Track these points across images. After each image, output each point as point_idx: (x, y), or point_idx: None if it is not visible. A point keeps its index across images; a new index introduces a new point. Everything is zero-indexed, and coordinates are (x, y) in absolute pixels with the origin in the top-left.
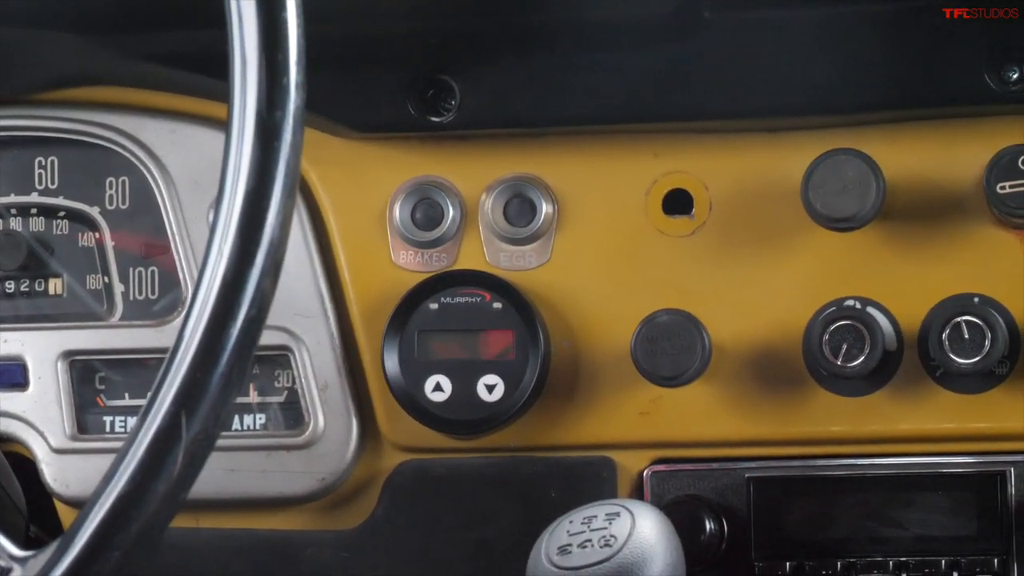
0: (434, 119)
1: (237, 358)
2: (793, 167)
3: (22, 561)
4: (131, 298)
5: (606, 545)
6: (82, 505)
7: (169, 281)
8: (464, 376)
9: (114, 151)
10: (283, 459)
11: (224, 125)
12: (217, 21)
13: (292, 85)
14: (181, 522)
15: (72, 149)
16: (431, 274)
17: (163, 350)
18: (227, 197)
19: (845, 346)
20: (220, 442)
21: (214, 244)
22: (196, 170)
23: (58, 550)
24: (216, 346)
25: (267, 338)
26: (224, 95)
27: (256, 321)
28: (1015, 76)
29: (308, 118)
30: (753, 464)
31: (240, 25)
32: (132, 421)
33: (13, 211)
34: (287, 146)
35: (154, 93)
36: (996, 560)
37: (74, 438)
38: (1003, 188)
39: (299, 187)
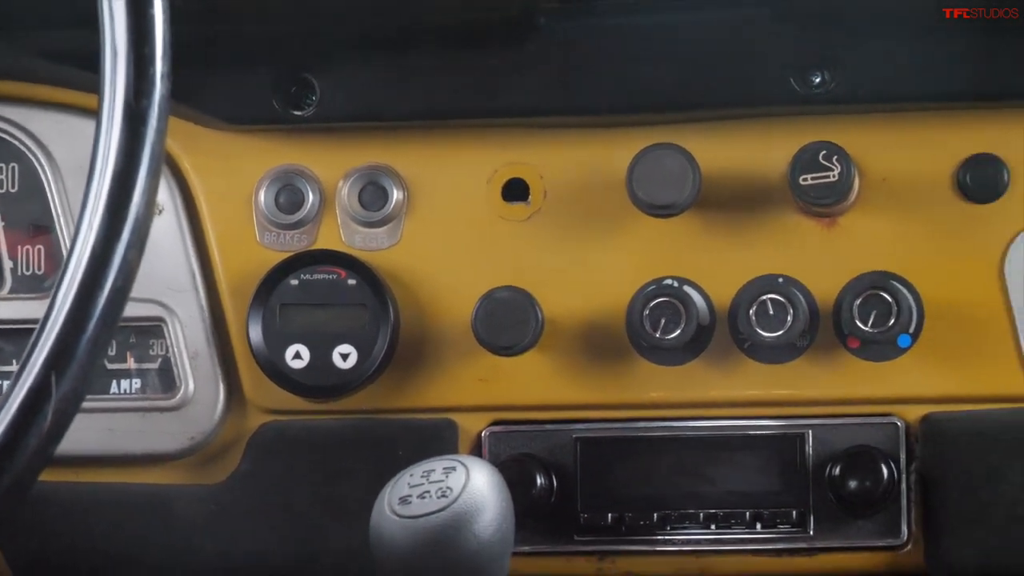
0: (296, 113)
1: (104, 324)
2: (619, 159)
3: None
4: (19, 273)
5: (443, 496)
6: None
7: (55, 258)
8: (321, 345)
9: (4, 140)
10: (157, 420)
11: None
12: (95, 20)
13: (158, 76)
14: (63, 476)
15: None
16: (292, 253)
17: None
18: (97, 176)
19: (663, 320)
20: (100, 404)
21: (84, 219)
22: (81, 157)
23: None
24: (85, 313)
25: (143, 310)
26: None
27: (122, 291)
28: (818, 80)
29: (182, 111)
30: (580, 426)
31: (111, 21)
32: None
33: None
34: (153, 131)
35: (42, 87)
36: (795, 512)
37: None
38: (805, 180)
39: (174, 174)
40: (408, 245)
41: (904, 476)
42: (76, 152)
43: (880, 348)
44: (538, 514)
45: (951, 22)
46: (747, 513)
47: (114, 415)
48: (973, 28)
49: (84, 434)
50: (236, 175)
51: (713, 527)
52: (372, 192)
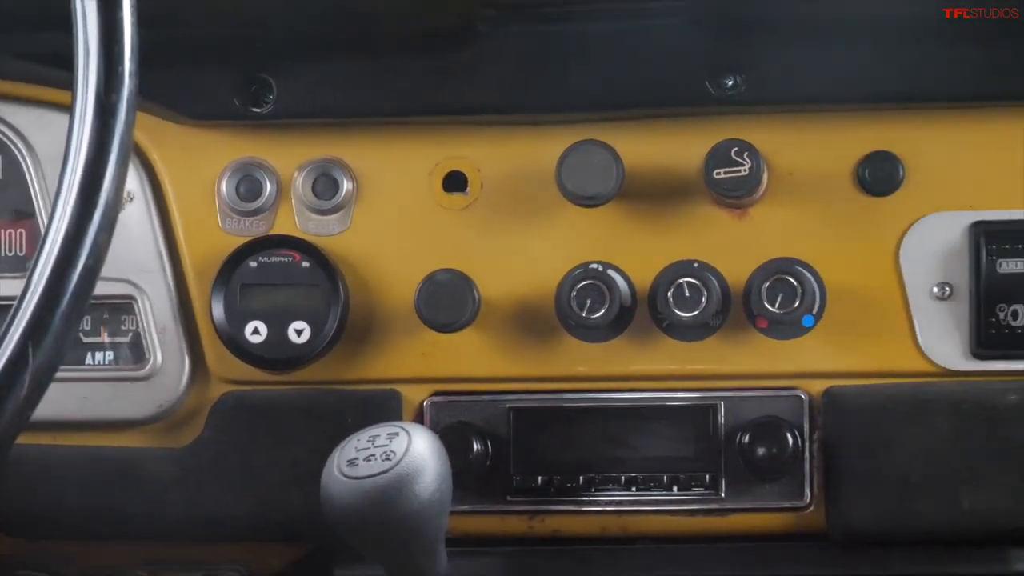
0: (255, 110)
1: (76, 300)
2: (550, 154)
3: None
4: (2, 255)
5: (387, 459)
6: None
7: (36, 241)
8: (277, 322)
9: None
10: (128, 389)
11: None
12: (69, 23)
13: (127, 73)
14: (42, 440)
15: None
16: (251, 238)
17: None
18: (70, 165)
19: (589, 301)
20: (76, 374)
21: (59, 204)
22: (59, 148)
23: None
24: (59, 289)
25: (115, 289)
26: None
27: (93, 270)
28: (730, 83)
29: (151, 107)
30: (513, 397)
31: (84, 23)
32: None
33: None
34: (122, 123)
35: (22, 84)
36: (708, 476)
37: None
38: (719, 174)
39: (143, 165)
40: (357, 231)
41: (807, 444)
42: (54, 143)
43: (786, 328)
44: (474, 477)
45: (851, 30)
46: (664, 477)
47: (89, 384)
48: (873, 35)
49: (61, 401)
50: (200, 166)
51: (634, 489)
52: (324, 183)
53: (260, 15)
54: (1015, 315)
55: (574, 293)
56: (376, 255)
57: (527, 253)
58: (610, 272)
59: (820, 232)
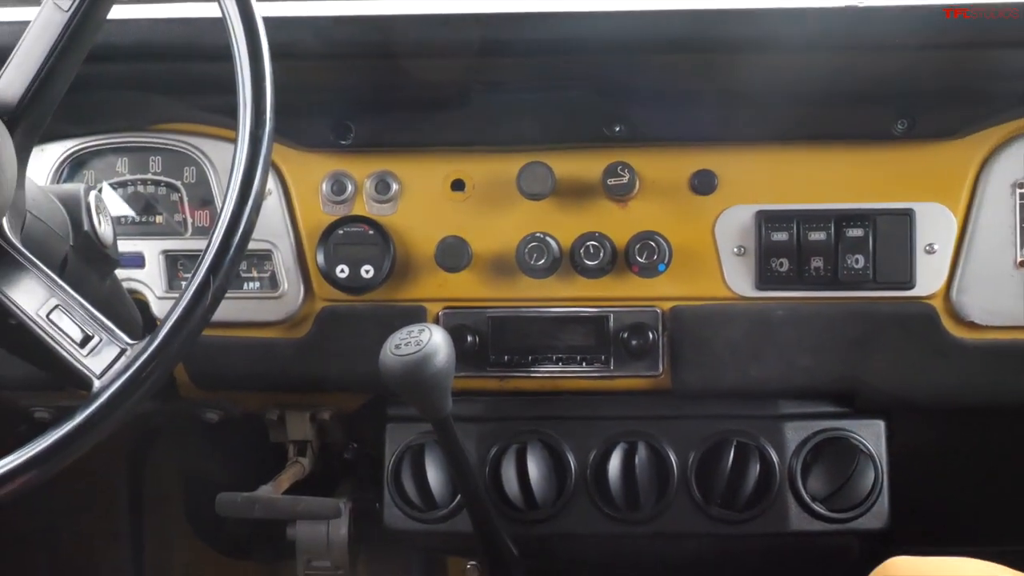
0: (342, 142)
1: (238, 250)
2: (513, 169)
3: (131, 345)
4: (196, 225)
5: (418, 345)
6: None
7: (215, 217)
8: (355, 265)
9: (188, 154)
10: (268, 304)
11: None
12: (234, 89)
13: (268, 119)
14: (217, 332)
15: (168, 152)
16: (339, 216)
17: None
18: (235, 173)
19: (535, 255)
20: (237, 295)
21: (228, 196)
22: (228, 163)
23: (148, 341)
24: (228, 245)
25: (260, 246)
26: None
27: (247, 234)
28: (618, 128)
29: (281, 139)
30: (491, 311)
31: (243, 90)
32: None
33: (139, 183)
34: (265, 148)
35: (208, 126)
36: (603, 356)
37: (167, 291)
38: (610, 181)
39: (276, 174)
40: (401, 213)
41: (661, 338)
42: (225, 160)
43: (649, 271)
44: (468, 356)
45: (687, 99)
46: (578, 356)
47: (245, 300)
48: (700, 102)
49: (228, 310)
50: (310, 175)
51: (560, 364)
52: (382, 185)
53: (346, 90)
54: (781, 264)
55: (526, 250)
56: (412, 227)
57: (500, 227)
58: (547, 238)
59: (669, 216)
